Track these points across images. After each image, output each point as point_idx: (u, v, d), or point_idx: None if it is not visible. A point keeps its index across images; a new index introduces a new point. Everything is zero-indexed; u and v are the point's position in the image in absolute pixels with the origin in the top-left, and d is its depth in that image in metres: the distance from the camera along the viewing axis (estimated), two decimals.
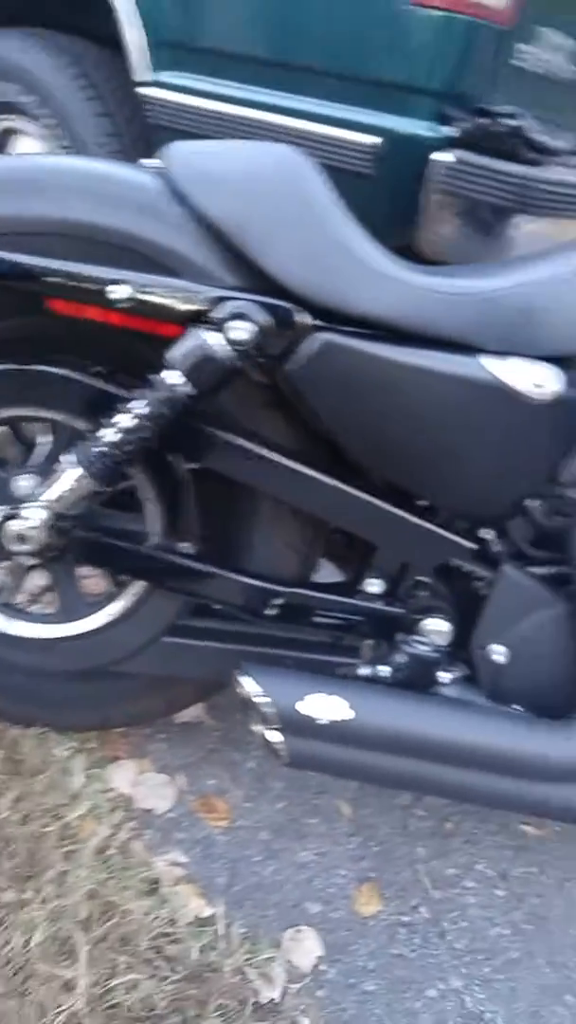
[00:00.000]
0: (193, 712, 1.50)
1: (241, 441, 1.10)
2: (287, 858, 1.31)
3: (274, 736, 1.11)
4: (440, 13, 1.19)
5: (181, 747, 1.46)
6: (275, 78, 1.31)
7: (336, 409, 1.04)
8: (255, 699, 1.09)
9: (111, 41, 1.58)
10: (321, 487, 1.11)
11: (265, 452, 1.10)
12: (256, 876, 1.28)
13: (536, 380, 1.03)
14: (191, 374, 1.01)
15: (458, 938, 1.25)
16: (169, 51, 1.34)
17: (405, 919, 1.26)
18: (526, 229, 1.34)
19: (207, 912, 1.22)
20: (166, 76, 1.32)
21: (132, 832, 1.31)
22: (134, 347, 1.07)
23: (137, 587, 1.24)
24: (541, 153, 1.30)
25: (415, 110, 1.26)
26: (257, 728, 1.12)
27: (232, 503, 1.21)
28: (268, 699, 1.08)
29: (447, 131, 1.24)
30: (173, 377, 1.02)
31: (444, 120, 1.27)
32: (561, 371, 1.03)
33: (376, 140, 1.24)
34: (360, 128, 1.26)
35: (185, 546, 1.20)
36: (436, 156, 1.26)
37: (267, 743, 1.12)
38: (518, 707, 1.17)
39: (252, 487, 1.17)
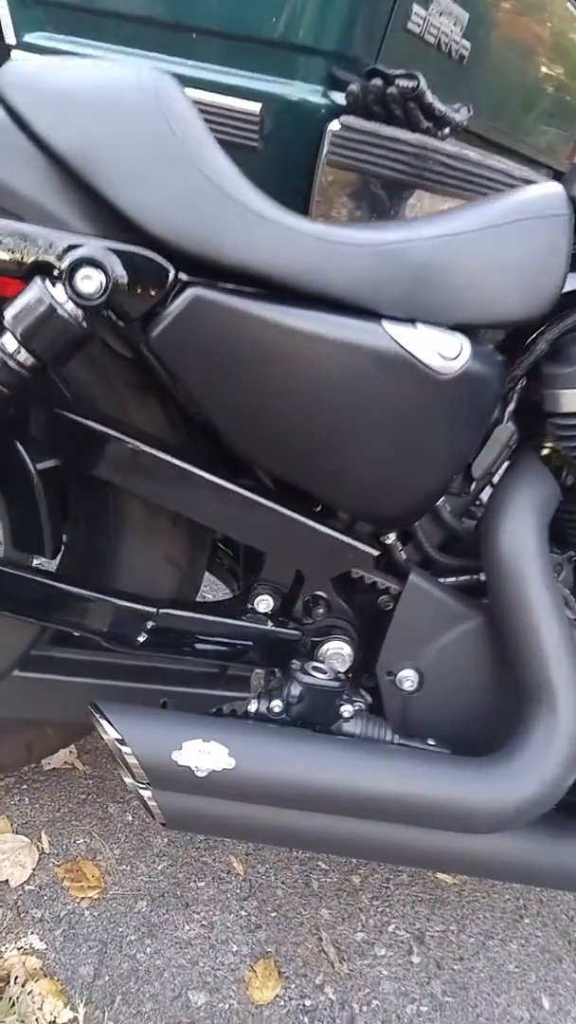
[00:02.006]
0: (62, 757, 1.17)
1: (103, 429, 0.82)
2: (168, 934, 0.99)
3: (145, 792, 0.81)
4: None
5: (46, 800, 1.12)
6: (150, 38, 1.08)
7: (209, 384, 0.77)
8: (118, 748, 0.79)
9: None
10: (198, 485, 0.83)
11: (132, 443, 0.82)
12: (130, 961, 0.95)
13: (443, 350, 0.80)
14: (29, 337, 0.72)
15: (370, 1022, 0.96)
16: (33, 9, 1.10)
17: (308, 1003, 0.95)
18: (426, 208, 1.14)
19: (66, 1016, 0.89)
20: (32, 37, 1.07)
21: None
22: None
23: None
24: (438, 124, 1.10)
25: (303, 73, 1.05)
26: (128, 781, 0.82)
27: (95, 508, 0.91)
28: (133, 748, 0.79)
29: (339, 98, 1.03)
30: (7, 342, 0.73)
31: (336, 86, 1.06)
32: (469, 341, 0.80)
33: (258, 107, 1.01)
34: (244, 94, 1.03)
35: (38, 561, 0.90)
36: (329, 126, 1.04)
37: (139, 799, 0.82)
38: (432, 743, 0.91)
39: (118, 488, 0.89)
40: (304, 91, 1.08)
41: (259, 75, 1.03)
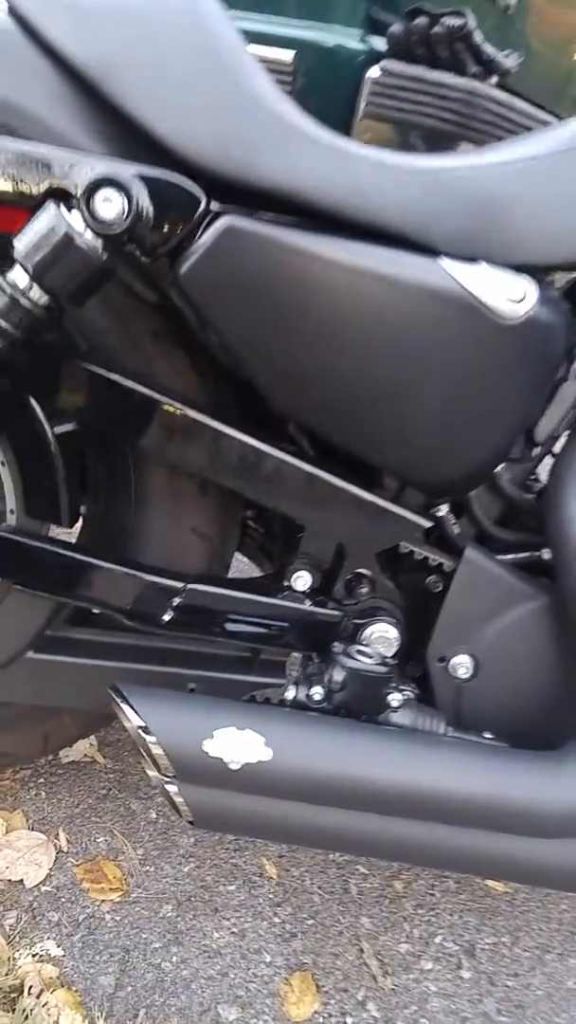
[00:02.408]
0: (81, 749, 1.09)
1: (124, 382, 0.73)
2: (196, 942, 0.89)
3: (171, 788, 0.72)
4: None
5: (64, 795, 1.03)
6: None
7: (244, 327, 0.67)
8: (141, 737, 0.70)
9: None
10: (230, 446, 0.73)
11: (156, 397, 0.73)
12: (154, 971, 0.86)
13: (508, 293, 0.70)
14: (43, 271, 0.62)
15: None
16: None
17: (349, 1021, 0.85)
18: None
19: None
20: None
21: None
22: None
23: None
24: (487, 69, 0.99)
25: (340, 16, 0.95)
26: (152, 775, 0.73)
27: (116, 477, 0.82)
28: (158, 737, 0.69)
29: (379, 43, 0.93)
30: (18, 277, 0.64)
31: (375, 30, 0.96)
32: (535, 285, 0.70)
33: (291, 55, 0.92)
34: (275, 42, 0.94)
35: (53, 529, 0.81)
36: (368, 73, 0.95)
37: (164, 794, 0.73)
38: (490, 735, 0.81)
39: (141, 454, 0.80)
40: (341, 36, 0.99)
41: (292, 20, 0.93)
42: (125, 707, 0.69)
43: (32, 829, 0.98)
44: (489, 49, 1.01)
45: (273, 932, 0.92)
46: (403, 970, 0.91)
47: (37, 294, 0.64)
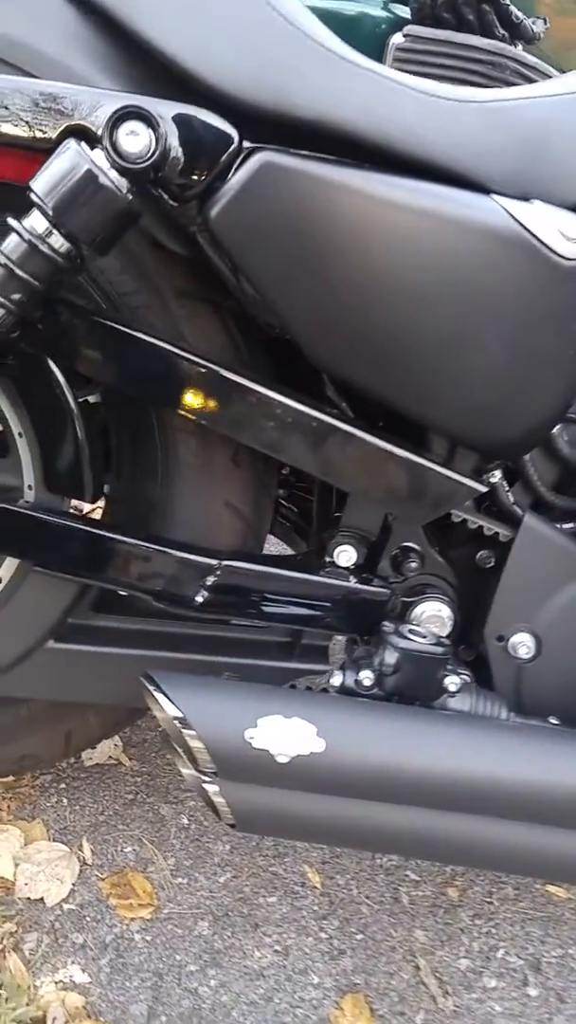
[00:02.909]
0: (105, 751, 1.00)
1: (150, 340, 0.65)
2: (235, 963, 0.80)
3: (211, 786, 0.63)
4: None
5: (87, 801, 0.94)
6: None
7: (281, 273, 0.60)
8: (178, 729, 0.62)
9: None
10: (269, 408, 0.66)
11: (185, 356, 0.65)
12: (191, 998, 0.77)
13: (566, 230, 0.62)
14: (64, 213, 0.56)
15: None
16: None
17: None
18: None
19: None
20: None
21: (7, 939, 0.78)
22: None
23: (7, 567, 0.75)
24: (513, 34, 0.94)
25: None
26: (188, 773, 0.64)
27: (142, 450, 0.74)
28: (197, 728, 0.61)
29: (402, 11, 0.88)
30: (36, 222, 0.57)
31: None
32: None
33: None
34: None
35: (76, 505, 0.74)
36: (392, 40, 0.89)
37: (201, 794, 0.64)
38: (555, 721, 0.73)
39: (168, 425, 0.72)
40: (363, 4, 0.94)
41: None
42: (159, 696, 0.61)
43: (53, 840, 0.88)
44: (517, 11, 0.96)
45: (320, 949, 0.83)
46: (464, 989, 0.82)
47: (58, 241, 0.57)
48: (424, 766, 0.60)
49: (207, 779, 0.63)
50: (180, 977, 0.78)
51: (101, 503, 0.86)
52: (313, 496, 0.87)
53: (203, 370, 0.66)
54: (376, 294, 0.60)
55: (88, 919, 0.82)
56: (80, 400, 0.72)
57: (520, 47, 0.98)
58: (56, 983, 0.76)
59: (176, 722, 0.61)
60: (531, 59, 0.93)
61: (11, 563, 0.76)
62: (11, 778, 0.94)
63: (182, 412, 0.68)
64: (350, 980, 0.81)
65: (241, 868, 0.90)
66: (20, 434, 0.71)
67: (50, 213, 0.57)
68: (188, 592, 0.71)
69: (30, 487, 0.73)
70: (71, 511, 0.76)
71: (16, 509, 0.70)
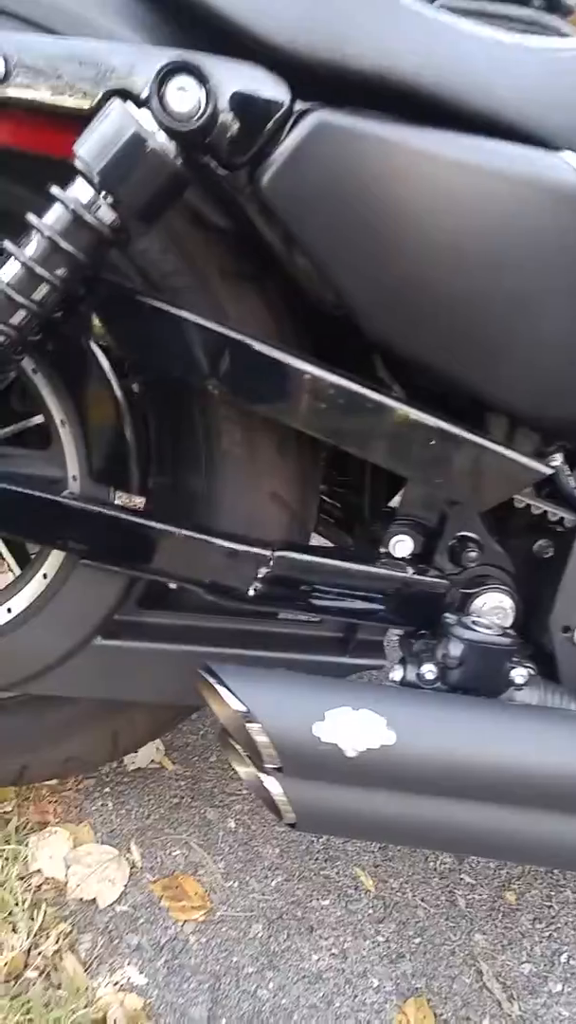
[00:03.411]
0: (147, 756, 0.98)
1: (196, 319, 0.63)
2: (293, 965, 0.79)
3: (273, 784, 0.62)
4: None
5: (133, 805, 0.92)
6: None
7: (338, 240, 0.58)
8: (240, 723, 0.60)
9: None
10: (322, 388, 0.63)
11: (237, 336, 0.63)
12: (250, 1000, 0.75)
13: None
14: (109, 180, 0.53)
15: None
16: None
17: None
18: None
19: None
20: None
21: (63, 940, 0.78)
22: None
23: (52, 562, 0.73)
24: (550, 5, 0.91)
25: None
26: (246, 771, 0.63)
27: (185, 440, 0.73)
28: (263, 722, 0.60)
29: None
30: (81, 191, 0.55)
31: None
32: None
33: None
34: None
35: (121, 496, 0.72)
36: None
37: (261, 794, 0.63)
38: None
39: (211, 414, 0.70)
40: None
41: None
42: (221, 690, 0.60)
43: (101, 843, 0.88)
44: None
45: (378, 952, 0.81)
46: (529, 994, 0.80)
47: (104, 211, 0.56)
48: (502, 759, 0.58)
49: (268, 776, 0.62)
50: (238, 979, 0.77)
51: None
52: (358, 489, 0.85)
53: (250, 350, 0.64)
54: (441, 260, 0.58)
55: (142, 920, 0.81)
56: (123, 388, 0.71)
57: (558, 17, 0.96)
58: (114, 984, 0.75)
59: (240, 716, 0.59)
60: (567, 27, 0.90)
61: (56, 557, 0.74)
62: (56, 781, 0.94)
63: (228, 397, 0.67)
64: (411, 984, 0.79)
65: (292, 872, 0.88)
66: (63, 423, 0.70)
67: (96, 180, 0.54)
68: (240, 584, 0.70)
69: (74, 478, 0.71)
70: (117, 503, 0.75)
71: (62, 500, 0.69)
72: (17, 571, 0.78)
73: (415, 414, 0.66)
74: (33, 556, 0.78)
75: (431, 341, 0.62)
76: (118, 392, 0.68)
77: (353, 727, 0.58)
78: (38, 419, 0.76)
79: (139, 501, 0.73)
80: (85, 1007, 0.72)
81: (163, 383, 0.73)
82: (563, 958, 0.83)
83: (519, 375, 0.63)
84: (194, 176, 0.58)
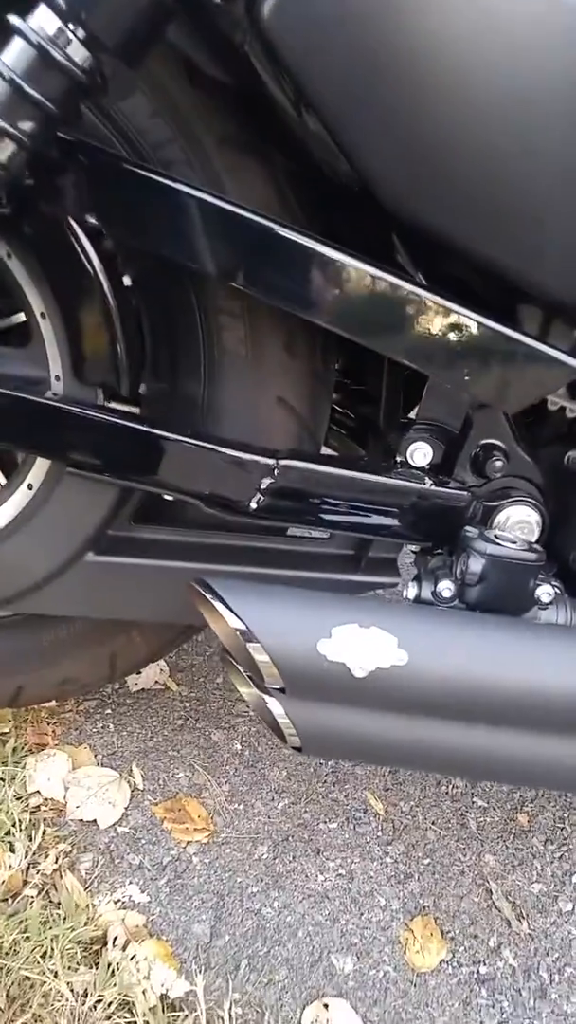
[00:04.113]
0: (151, 676, 0.97)
1: (199, 194, 0.55)
2: (298, 885, 0.78)
3: (275, 705, 0.59)
4: None
5: (135, 727, 0.91)
6: None
7: (351, 79, 0.49)
8: (241, 642, 0.57)
9: None
10: (338, 273, 0.56)
11: (241, 211, 0.55)
12: (254, 918, 0.75)
13: None
14: (80, 5, 0.45)
15: (567, 996, 0.74)
16: None
17: (483, 971, 0.74)
18: None
19: (180, 988, 0.70)
20: None
21: (62, 859, 0.78)
22: None
23: (37, 472, 0.68)
24: None
25: None
26: (249, 692, 0.60)
27: (182, 339, 0.66)
28: (264, 640, 0.56)
29: None
30: (46, 21, 0.46)
31: None
32: None
33: None
34: None
35: (110, 398, 0.67)
36: None
37: (264, 716, 0.60)
38: None
39: (211, 307, 0.63)
40: None
41: None
42: (218, 605, 0.56)
43: (101, 765, 0.87)
44: None
45: (385, 873, 0.81)
46: (539, 913, 0.79)
47: (75, 47, 0.48)
48: (523, 682, 0.54)
49: (271, 697, 0.59)
50: (242, 898, 0.76)
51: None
52: (373, 399, 0.79)
53: (258, 227, 0.56)
54: (473, 104, 0.50)
55: (143, 841, 0.80)
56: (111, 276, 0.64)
57: None
58: (115, 902, 0.75)
59: (238, 634, 0.56)
60: None
61: (42, 467, 0.69)
62: (55, 704, 0.92)
63: (231, 282, 0.59)
64: (418, 903, 0.78)
65: (299, 795, 0.87)
66: (43, 315, 0.63)
67: (63, 6, 0.46)
68: (242, 496, 0.64)
69: (57, 378, 0.65)
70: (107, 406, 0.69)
71: (43, 401, 0.63)
72: (2, 481, 0.74)
73: (441, 302, 0.58)
74: (19, 465, 0.73)
75: (459, 210, 0.54)
76: (106, 284, 0.62)
77: (362, 646, 0.54)
78: (19, 317, 0.70)
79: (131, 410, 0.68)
80: (84, 924, 0.72)
81: (157, 275, 0.66)
82: (575, 878, 0.83)
83: (562, 252, 0.55)
84: (181, 8, 0.50)
